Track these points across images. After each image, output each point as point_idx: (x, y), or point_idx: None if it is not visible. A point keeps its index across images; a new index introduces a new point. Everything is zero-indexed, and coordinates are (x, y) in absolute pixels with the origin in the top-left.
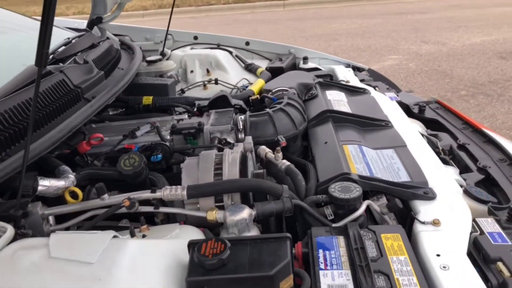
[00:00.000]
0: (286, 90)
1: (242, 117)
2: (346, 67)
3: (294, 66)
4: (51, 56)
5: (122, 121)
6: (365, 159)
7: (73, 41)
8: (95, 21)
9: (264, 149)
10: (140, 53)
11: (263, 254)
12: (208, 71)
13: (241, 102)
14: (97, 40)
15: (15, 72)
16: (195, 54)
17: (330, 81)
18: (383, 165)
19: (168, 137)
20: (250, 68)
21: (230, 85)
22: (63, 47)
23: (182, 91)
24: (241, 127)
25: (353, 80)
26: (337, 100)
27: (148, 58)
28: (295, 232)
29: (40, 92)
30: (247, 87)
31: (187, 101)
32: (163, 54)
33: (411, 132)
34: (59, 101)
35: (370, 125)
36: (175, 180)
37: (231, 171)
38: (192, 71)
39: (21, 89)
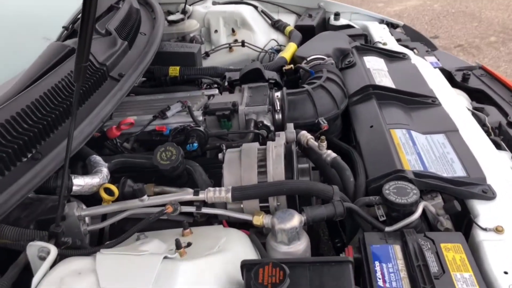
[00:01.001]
0: (323, 59)
1: (279, 94)
2: (380, 23)
3: (324, 22)
4: (75, 25)
5: (149, 96)
6: (415, 148)
7: None
8: None
9: (306, 136)
10: (162, 13)
11: (324, 280)
12: (233, 30)
13: (275, 75)
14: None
15: (34, 47)
16: (219, 11)
17: (367, 45)
18: (435, 155)
19: (201, 117)
20: (277, 26)
21: (258, 48)
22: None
23: (207, 54)
24: (278, 107)
25: (390, 42)
26: (377, 70)
27: (170, 18)
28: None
29: (63, 77)
30: (277, 50)
31: (217, 72)
32: (184, 11)
33: (460, 111)
34: (85, 84)
35: (416, 102)
36: (210, 167)
37: (276, 169)
38: (216, 31)
39: (46, 73)
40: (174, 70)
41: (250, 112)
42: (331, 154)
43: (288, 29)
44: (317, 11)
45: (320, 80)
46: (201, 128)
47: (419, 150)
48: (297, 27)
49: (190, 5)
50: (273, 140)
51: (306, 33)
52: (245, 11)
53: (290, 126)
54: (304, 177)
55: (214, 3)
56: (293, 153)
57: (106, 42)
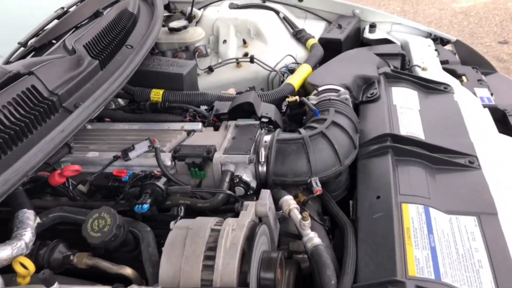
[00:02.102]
0: (337, 91)
1: (268, 139)
2: (426, 37)
3: (358, 32)
4: (32, 40)
5: (123, 124)
6: (431, 239)
7: (71, 9)
8: None
9: (288, 203)
10: (159, 18)
11: None
12: (244, 42)
13: (272, 111)
14: (104, 2)
15: None
16: (230, 18)
17: (400, 72)
18: (457, 252)
19: (169, 163)
20: (299, 37)
21: (268, 67)
22: (55, 22)
23: (210, 69)
24: (263, 159)
25: (433, 65)
26: (406, 108)
27: (171, 24)
28: None
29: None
30: (290, 70)
31: (206, 99)
32: (190, 16)
33: (507, 180)
34: (28, 116)
35: (447, 162)
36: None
37: (226, 266)
38: (225, 41)
39: None
40: (156, 94)
41: (228, 162)
42: (313, 239)
43: (310, 42)
44: (349, 21)
45: (322, 125)
46: (159, 183)
47: (435, 242)
48: (322, 40)
49: (201, 8)
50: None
51: (331, 48)
52: (261, 19)
53: (264, 193)
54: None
55: (232, 7)
56: (256, 236)
57: (67, 63)
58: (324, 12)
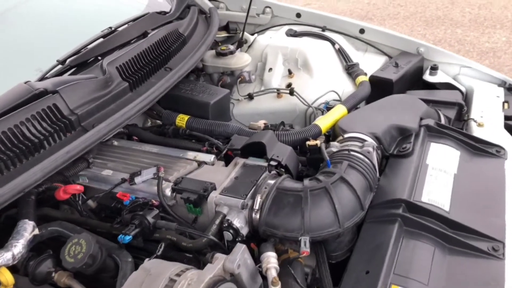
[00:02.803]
0: (362, 141)
1: (269, 185)
2: (500, 85)
3: (419, 73)
4: (71, 59)
5: (145, 145)
6: None
7: (119, 29)
8: None
9: (268, 261)
10: (204, 45)
11: None
12: (290, 72)
13: (284, 154)
14: (156, 22)
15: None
16: (280, 46)
17: (444, 127)
18: None
19: (169, 193)
20: (350, 72)
21: (306, 102)
22: (100, 40)
23: (250, 96)
24: (257, 206)
25: (492, 121)
26: (438, 170)
27: (219, 48)
28: None
29: (15, 123)
30: (327, 108)
31: (227, 131)
32: (241, 41)
33: None
34: (44, 133)
35: (465, 245)
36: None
37: None
38: (270, 69)
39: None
40: (181, 120)
41: (222, 203)
42: None
43: (360, 79)
44: (410, 59)
45: (329, 178)
46: (149, 215)
47: None
48: (372, 78)
49: (257, 33)
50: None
51: (381, 88)
52: (311, 49)
53: (238, 248)
54: None
55: (289, 33)
56: None
57: (94, 84)
58: (386, 46)
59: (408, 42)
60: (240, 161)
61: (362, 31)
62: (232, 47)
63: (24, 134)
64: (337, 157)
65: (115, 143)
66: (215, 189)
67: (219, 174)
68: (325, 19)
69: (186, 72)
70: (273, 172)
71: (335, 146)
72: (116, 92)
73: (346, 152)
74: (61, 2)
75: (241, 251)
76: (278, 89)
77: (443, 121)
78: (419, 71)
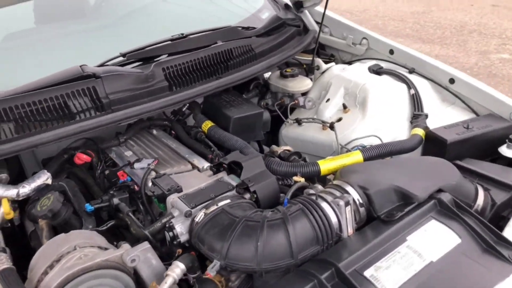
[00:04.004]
0: (343, 192)
1: (222, 203)
2: None
3: (495, 142)
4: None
5: (172, 140)
6: None
7: (190, 37)
8: (296, 4)
9: (172, 268)
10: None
11: None
12: (345, 107)
13: (260, 181)
14: (232, 36)
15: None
16: (346, 79)
17: (462, 208)
18: None
19: (150, 183)
20: (412, 121)
21: (338, 140)
22: (166, 43)
23: (298, 121)
24: (197, 219)
25: None
26: (413, 250)
27: (285, 70)
28: None
29: (61, 94)
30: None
31: (234, 146)
32: (311, 67)
33: None
34: (79, 107)
35: None
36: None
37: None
38: (328, 100)
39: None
40: (205, 126)
41: (174, 206)
42: None
43: (414, 131)
44: (491, 124)
45: (272, 216)
46: (116, 197)
47: None
48: (428, 134)
49: (324, 62)
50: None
51: (433, 148)
52: (376, 89)
53: (142, 246)
54: None
55: (371, 69)
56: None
57: (134, 78)
58: (476, 103)
59: (501, 103)
60: (221, 174)
61: (452, 81)
62: (296, 71)
63: (62, 104)
64: (303, 199)
65: (154, 132)
66: (180, 191)
67: (197, 180)
68: (416, 60)
69: (231, 84)
70: (237, 194)
71: (317, 189)
72: (153, 88)
73: (314, 197)
74: (176, 9)
75: (141, 248)
76: (322, 121)
77: (480, 201)
78: (498, 141)
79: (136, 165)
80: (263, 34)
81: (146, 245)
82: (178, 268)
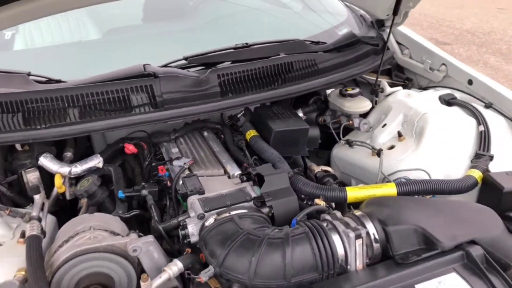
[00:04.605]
0: (360, 224)
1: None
2: None
3: None
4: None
5: (216, 144)
6: None
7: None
8: (378, 23)
9: (169, 265)
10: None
11: None
12: (400, 134)
13: (278, 198)
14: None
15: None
16: (407, 106)
17: (492, 266)
18: None
19: (180, 182)
20: (472, 160)
21: (382, 174)
22: (229, 51)
23: (348, 143)
24: (207, 223)
25: None
26: None
27: (345, 89)
28: None
29: (121, 88)
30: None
31: (268, 158)
32: (374, 89)
33: None
34: (135, 102)
35: None
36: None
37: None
38: (384, 125)
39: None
40: (249, 134)
41: (192, 207)
42: None
43: (471, 172)
44: None
45: (276, 235)
46: (147, 189)
47: None
48: (485, 178)
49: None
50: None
51: (489, 194)
52: (436, 121)
53: (144, 238)
54: None
55: (443, 98)
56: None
57: (189, 81)
58: None
59: None
60: (244, 185)
61: None
62: (357, 91)
63: (121, 97)
64: (312, 223)
65: (205, 134)
66: (202, 193)
67: (222, 186)
68: (497, 95)
69: (285, 97)
70: (254, 206)
71: (334, 216)
72: (205, 93)
73: (325, 224)
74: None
75: (144, 240)
76: (372, 146)
77: None
78: None
79: (175, 163)
80: (332, 50)
81: (149, 238)
82: (175, 266)
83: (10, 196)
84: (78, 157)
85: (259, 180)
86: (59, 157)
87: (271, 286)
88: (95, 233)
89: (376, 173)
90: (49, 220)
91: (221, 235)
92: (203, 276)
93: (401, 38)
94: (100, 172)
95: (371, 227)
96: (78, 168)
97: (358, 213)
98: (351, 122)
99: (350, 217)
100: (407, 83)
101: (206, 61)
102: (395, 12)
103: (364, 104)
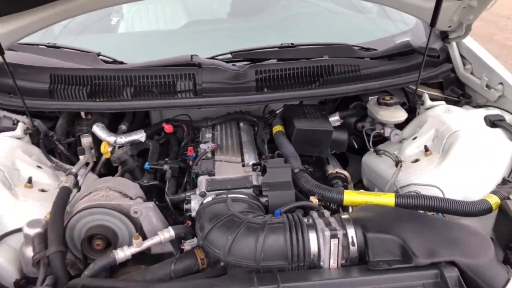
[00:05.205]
0: (341, 225)
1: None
2: None
3: None
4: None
5: (246, 134)
6: None
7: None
8: (442, 34)
9: (163, 231)
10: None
11: None
12: (426, 149)
13: (275, 189)
14: (343, 53)
15: None
16: (440, 121)
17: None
18: None
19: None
20: (497, 185)
21: (395, 182)
22: (274, 49)
23: (375, 150)
24: (205, 201)
25: None
26: None
27: (382, 98)
28: None
29: (168, 74)
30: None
31: (284, 153)
32: (413, 100)
33: None
34: (180, 87)
35: None
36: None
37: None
38: (415, 138)
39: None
40: (275, 129)
41: (199, 186)
42: None
43: (488, 197)
44: None
45: (254, 220)
46: (167, 165)
47: None
48: (503, 206)
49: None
50: None
51: (503, 221)
52: (467, 140)
53: (145, 203)
54: None
55: (488, 119)
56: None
57: (227, 73)
58: None
59: None
60: (251, 173)
61: None
62: (395, 100)
63: (161, 83)
64: (293, 216)
65: (241, 124)
66: (212, 175)
67: (233, 172)
68: None
69: (318, 98)
70: (253, 194)
71: (322, 214)
72: (241, 86)
73: (307, 219)
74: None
75: (144, 205)
76: (396, 157)
77: None
78: None
79: (201, 146)
80: (381, 57)
81: (150, 204)
82: (168, 233)
83: (67, 155)
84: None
85: (265, 172)
86: (115, 128)
87: (242, 265)
88: (108, 193)
89: (392, 184)
90: (91, 178)
91: (211, 213)
92: (187, 245)
93: (466, 52)
94: (142, 145)
95: (351, 231)
96: (123, 139)
97: (344, 216)
98: (382, 131)
99: (335, 217)
100: (461, 99)
101: (250, 57)
102: (432, 23)
103: (398, 115)
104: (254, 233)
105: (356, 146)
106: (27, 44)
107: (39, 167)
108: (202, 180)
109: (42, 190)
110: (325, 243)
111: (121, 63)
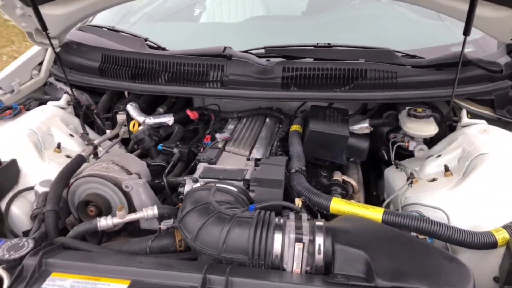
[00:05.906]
0: (312, 230)
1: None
2: None
3: None
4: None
5: (265, 130)
6: None
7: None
8: (508, 47)
9: (149, 207)
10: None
11: None
12: (446, 169)
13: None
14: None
15: None
16: (470, 141)
17: None
18: None
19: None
20: None
21: (401, 200)
22: (309, 48)
23: (396, 165)
24: (194, 187)
25: None
26: None
27: (413, 109)
28: None
29: (199, 63)
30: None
31: (291, 152)
32: (448, 116)
33: None
34: (207, 77)
35: None
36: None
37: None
38: (439, 156)
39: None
40: (292, 128)
41: (197, 172)
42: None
43: (496, 230)
44: None
45: (226, 212)
46: (178, 148)
47: None
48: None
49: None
50: None
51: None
52: (494, 162)
53: (137, 180)
54: None
55: None
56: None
57: (255, 68)
58: None
59: None
60: (248, 167)
61: None
62: (423, 113)
63: (194, 71)
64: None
65: (267, 120)
66: (212, 164)
67: (235, 163)
68: None
69: (343, 102)
70: (243, 187)
71: (298, 217)
72: (267, 81)
73: (277, 219)
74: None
75: (135, 181)
76: (410, 173)
77: None
78: None
79: (216, 135)
80: (426, 66)
81: (141, 181)
82: (152, 211)
83: (103, 129)
84: None
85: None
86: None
87: (205, 252)
88: (110, 165)
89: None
90: (119, 152)
91: (194, 198)
92: (163, 225)
93: None
94: (169, 129)
95: (319, 238)
96: (151, 120)
97: (319, 223)
98: (407, 144)
99: (308, 223)
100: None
101: (283, 54)
102: (465, 32)
103: (427, 129)
104: (221, 223)
105: (386, 158)
106: (93, 26)
107: (71, 135)
108: (200, 167)
109: (68, 156)
110: (289, 246)
111: (164, 49)
